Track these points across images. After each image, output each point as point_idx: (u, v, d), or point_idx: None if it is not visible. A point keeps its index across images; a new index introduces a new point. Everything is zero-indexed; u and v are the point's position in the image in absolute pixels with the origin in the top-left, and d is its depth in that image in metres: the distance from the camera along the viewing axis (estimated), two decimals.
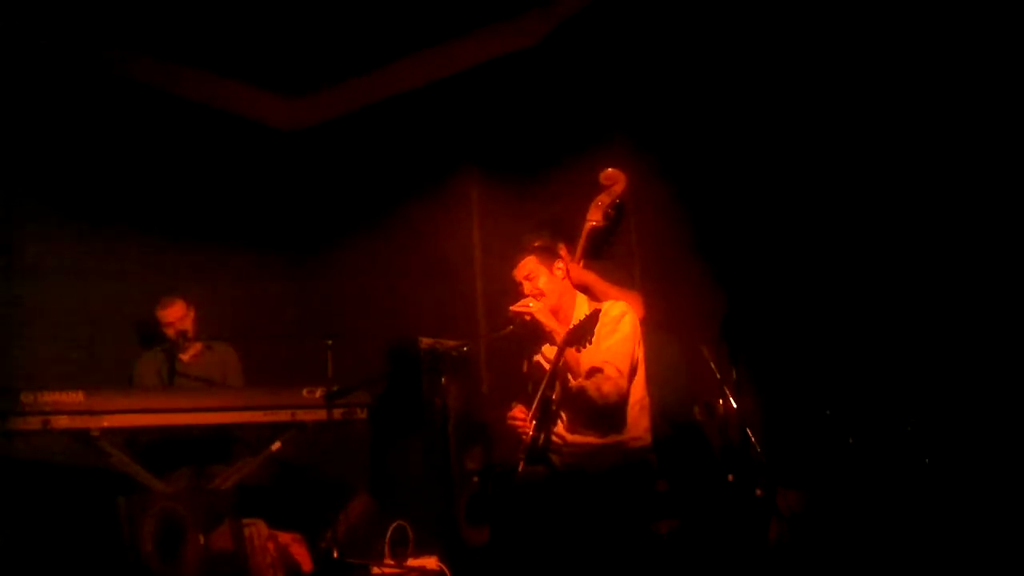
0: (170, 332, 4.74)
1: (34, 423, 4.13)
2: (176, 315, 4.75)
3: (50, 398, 4.17)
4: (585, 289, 3.76)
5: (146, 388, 4.69)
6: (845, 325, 3.96)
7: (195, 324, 4.80)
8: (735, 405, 3.49)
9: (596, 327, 3.43)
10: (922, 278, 3.86)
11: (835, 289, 4.05)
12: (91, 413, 4.23)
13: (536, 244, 3.76)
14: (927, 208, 3.88)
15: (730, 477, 3.45)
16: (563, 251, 3.84)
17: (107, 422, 4.26)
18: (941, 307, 3.79)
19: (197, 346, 4.82)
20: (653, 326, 3.78)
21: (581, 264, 3.84)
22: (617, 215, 3.93)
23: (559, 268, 3.70)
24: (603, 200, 3.88)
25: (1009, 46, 3.70)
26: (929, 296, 3.83)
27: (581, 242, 3.87)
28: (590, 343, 3.39)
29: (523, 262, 3.70)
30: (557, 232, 3.99)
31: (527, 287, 3.68)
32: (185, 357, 4.79)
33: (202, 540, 4.06)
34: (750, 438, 3.44)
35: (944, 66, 3.85)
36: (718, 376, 3.55)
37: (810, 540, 3.45)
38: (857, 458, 3.49)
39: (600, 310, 3.49)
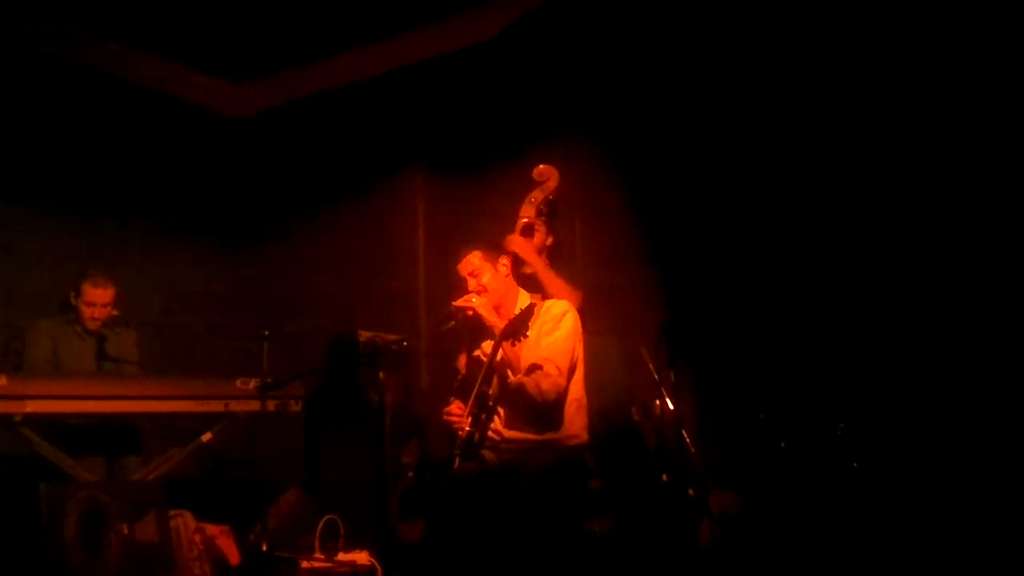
0: (91, 312, 4.54)
1: None
2: (107, 298, 4.58)
3: None
4: (529, 278, 3.78)
5: (72, 373, 4.54)
6: (781, 331, 4.05)
7: (116, 310, 4.65)
8: (671, 407, 3.54)
9: (535, 322, 3.47)
10: (854, 285, 3.97)
11: (772, 296, 4.14)
12: (14, 398, 4.08)
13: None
14: (857, 215, 3.99)
15: (664, 477, 3.50)
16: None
17: (30, 407, 4.12)
18: (871, 314, 3.90)
19: (107, 328, 4.65)
20: (594, 326, 3.81)
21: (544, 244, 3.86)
22: (550, 211, 3.97)
23: (503, 264, 3.72)
24: (536, 196, 3.92)
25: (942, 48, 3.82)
26: (859, 304, 3.94)
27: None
28: (525, 337, 3.41)
29: (468, 257, 3.71)
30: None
31: (471, 283, 3.69)
32: (86, 336, 4.60)
33: (126, 530, 3.96)
34: (685, 439, 3.50)
35: (887, 69, 3.96)
36: (656, 378, 3.60)
37: (741, 541, 3.52)
38: (789, 461, 3.57)
39: (536, 304, 3.52)
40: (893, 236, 3.91)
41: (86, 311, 4.56)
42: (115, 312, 4.62)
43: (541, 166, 3.97)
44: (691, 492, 3.46)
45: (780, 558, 3.44)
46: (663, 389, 3.56)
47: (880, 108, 3.97)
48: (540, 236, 3.92)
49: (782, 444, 3.57)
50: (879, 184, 3.96)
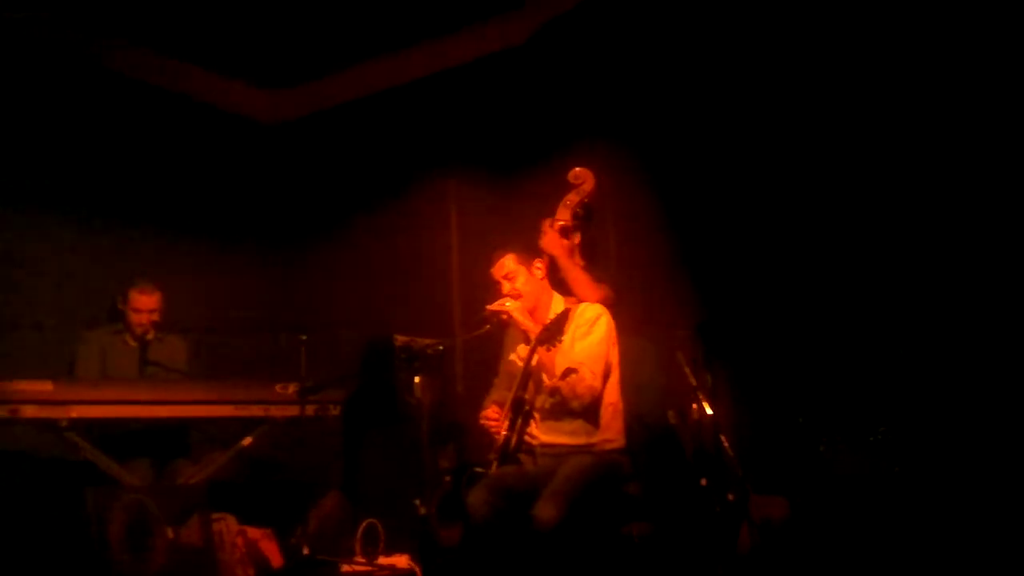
0: (138, 318, 4.63)
1: (1, 412, 4.06)
2: (153, 304, 4.66)
3: (18, 387, 4.11)
4: (560, 283, 3.76)
5: (115, 379, 4.61)
6: (819, 333, 4.00)
7: (161, 316, 4.73)
8: (709, 411, 3.50)
9: (569, 327, 3.46)
10: (894, 287, 3.91)
11: (809, 297, 4.09)
12: (59, 403, 4.17)
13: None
14: (898, 217, 3.93)
15: (703, 482, 3.46)
16: (546, 225, 3.83)
17: (75, 412, 4.20)
18: (911, 317, 3.83)
19: (151, 334, 4.72)
20: (629, 330, 3.79)
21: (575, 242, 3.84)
22: (586, 214, 3.91)
23: (538, 268, 3.71)
24: (571, 199, 3.85)
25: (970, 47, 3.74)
26: (900, 305, 3.87)
27: None
28: (560, 342, 3.40)
29: (502, 261, 3.71)
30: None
31: (505, 286, 3.69)
32: (134, 343, 4.69)
33: (171, 534, 4.02)
34: (723, 443, 3.46)
35: (916, 72, 3.89)
36: (692, 381, 3.56)
37: (782, 546, 3.48)
38: (828, 465, 3.53)
39: (570, 309, 3.51)
40: (940, 235, 3.83)
41: (133, 317, 4.65)
42: (156, 317, 4.69)
43: (577, 168, 3.91)
44: (730, 497, 3.43)
45: (820, 564, 3.40)
46: (700, 393, 3.52)
47: (925, 105, 3.89)
48: (574, 239, 3.89)
49: (821, 448, 3.52)
50: (920, 181, 3.88)
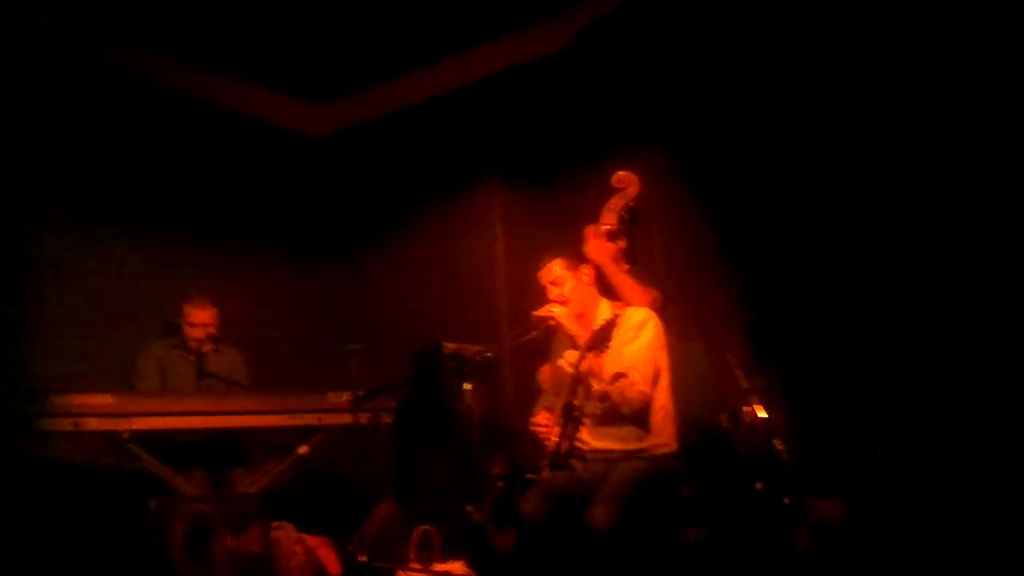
0: (193, 332, 4.75)
1: (65, 425, 4.17)
2: (207, 318, 4.77)
3: (80, 400, 4.21)
4: (605, 285, 3.75)
5: (174, 391, 4.72)
6: (872, 334, 3.94)
7: (217, 330, 4.82)
8: (762, 413, 3.47)
9: (617, 332, 3.46)
10: (950, 287, 3.83)
11: (861, 297, 4.03)
12: (120, 415, 4.27)
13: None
14: (952, 216, 3.85)
15: (758, 485, 3.43)
16: (590, 231, 3.83)
17: (136, 424, 4.29)
18: (967, 316, 3.75)
19: (207, 347, 4.83)
20: (678, 333, 3.77)
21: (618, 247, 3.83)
22: (631, 218, 3.90)
23: (585, 273, 3.71)
24: (616, 203, 3.83)
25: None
26: (956, 305, 3.80)
27: None
28: (608, 347, 3.40)
29: (550, 265, 3.71)
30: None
31: (552, 292, 3.69)
32: (191, 356, 4.79)
33: (231, 543, 4.10)
34: (777, 447, 3.42)
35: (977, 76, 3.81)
36: (744, 384, 3.53)
37: (839, 549, 3.44)
38: (885, 466, 3.47)
39: (618, 315, 3.50)
40: (989, 229, 3.75)
41: (189, 331, 4.77)
42: (212, 330, 4.79)
43: (621, 172, 3.89)
44: (786, 500, 3.39)
45: (877, 566, 3.35)
46: (752, 396, 3.49)
47: (990, 110, 3.81)
48: (620, 243, 3.88)
49: (878, 450, 3.47)
50: (973, 186, 3.80)
